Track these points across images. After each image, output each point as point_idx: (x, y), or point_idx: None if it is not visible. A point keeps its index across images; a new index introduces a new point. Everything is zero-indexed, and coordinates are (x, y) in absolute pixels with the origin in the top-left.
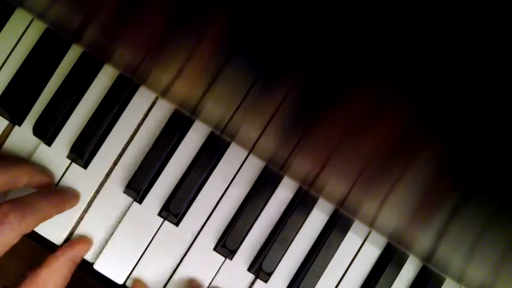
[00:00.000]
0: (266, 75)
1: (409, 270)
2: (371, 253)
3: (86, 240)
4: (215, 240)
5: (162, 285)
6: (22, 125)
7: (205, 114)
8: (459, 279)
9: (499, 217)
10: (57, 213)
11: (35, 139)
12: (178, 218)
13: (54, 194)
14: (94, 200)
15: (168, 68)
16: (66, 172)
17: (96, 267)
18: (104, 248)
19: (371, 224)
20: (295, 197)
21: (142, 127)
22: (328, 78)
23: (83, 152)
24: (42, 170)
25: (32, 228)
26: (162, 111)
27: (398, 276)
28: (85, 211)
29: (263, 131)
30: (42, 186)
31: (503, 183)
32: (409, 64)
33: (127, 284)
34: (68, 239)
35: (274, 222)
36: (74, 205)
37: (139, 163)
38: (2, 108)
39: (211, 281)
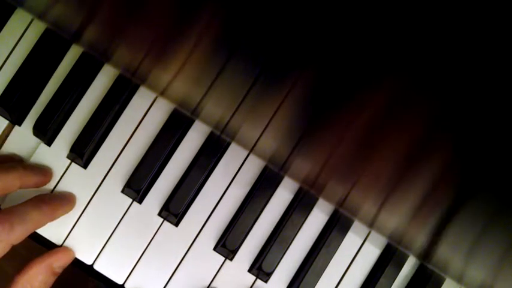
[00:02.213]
0: (266, 75)
1: (409, 270)
2: (371, 253)
3: (67, 250)
4: (215, 240)
5: (162, 286)
6: (22, 125)
7: (205, 114)
8: (459, 279)
9: (499, 217)
10: (49, 221)
11: (35, 139)
12: (178, 218)
13: (46, 202)
14: (94, 199)
15: (168, 68)
16: (66, 172)
17: (96, 267)
18: (104, 248)
19: (371, 224)
20: (295, 197)
21: (142, 127)
22: (328, 79)
23: (82, 152)
24: (37, 169)
25: (21, 238)
26: (162, 111)
27: (398, 276)
28: (85, 211)
29: (263, 131)
30: (39, 185)
31: (503, 183)
32: (411, 66)
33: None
34: (67, 239)
35: (274, 222)
36: (68, 211)
37: (139, 163)
38: (2, 108)
39: (211, 281)
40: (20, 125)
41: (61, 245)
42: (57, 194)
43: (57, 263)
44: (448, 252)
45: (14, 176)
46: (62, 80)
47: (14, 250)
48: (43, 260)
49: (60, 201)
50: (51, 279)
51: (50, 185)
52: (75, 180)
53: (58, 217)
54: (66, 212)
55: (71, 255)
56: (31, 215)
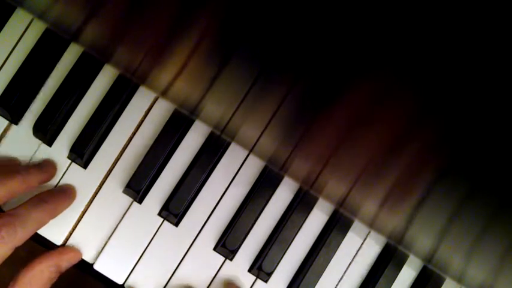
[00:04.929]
0: (266, 75)
1: (409, 270)
2: (371, 253)
3: (76, 251)
4: (215, 240)
5: (162, 286)
6: (22, 125)
7: (205, 114)
8: (459, 279)
9: (499, 217)
10: (51, 219)
11: (35, 139)
12: (178, 218)
13: (46, 201)
14: (94, 200)
15: (168, 68)
16: (66, 172)
17: (96, 267)
18: (104, 248)
19: (371, 224)
20: (295, 197)
21: (142, 127)
22: (327, 78)
23: (83, 152)
24: (39, 169)
25: (24, 239)
26: (162, 111)
27: (398, 276)
28: (85, 211)
29: (263, 130)
30: (44, 183)
31: (503, 183)
32: (407, 63)
33: (127, 285)
34: (68, 239)
35: (274, 222)
36: (69, 205)
37: (139, 163)
38: (2, 108)
39: (211, 281)
40: (20, 125)
41: (62, 246)
42: (57, 189)
43: (65, 263)
44: (449, 252)
45: (17, 181)
46: (62, 80)
47: (13, 253)
48: (52, 258)
49: (60, 197)
50: (56, 277)
51: (51, 185)
52: (75, 180)
53: (60, 213)
54: (67, 206)
55: (79, 256)
56: (33, 216)
